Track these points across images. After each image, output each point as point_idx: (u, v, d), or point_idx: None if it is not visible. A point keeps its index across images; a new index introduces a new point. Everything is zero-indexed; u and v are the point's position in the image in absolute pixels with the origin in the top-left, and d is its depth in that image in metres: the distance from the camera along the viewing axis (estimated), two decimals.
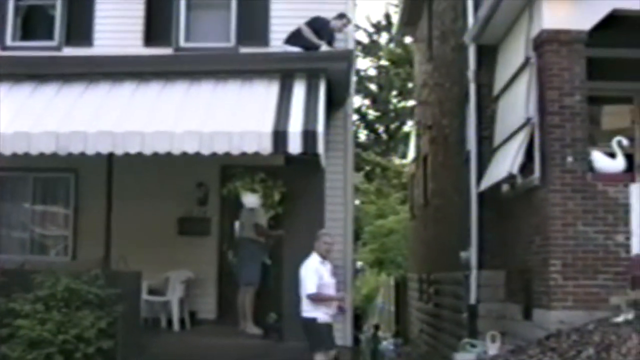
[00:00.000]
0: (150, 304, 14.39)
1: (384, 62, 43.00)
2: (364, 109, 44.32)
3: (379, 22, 43.52)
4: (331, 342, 11.51)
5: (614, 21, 12.29)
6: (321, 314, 11.32)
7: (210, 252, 15.42)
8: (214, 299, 15.36)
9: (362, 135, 44.79)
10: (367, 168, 40.28)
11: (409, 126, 37.87)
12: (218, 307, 15.31)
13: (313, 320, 11.28)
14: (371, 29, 43.82)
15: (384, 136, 44.00)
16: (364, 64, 44.12)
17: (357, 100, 43.54)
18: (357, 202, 38.18)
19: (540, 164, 12.44)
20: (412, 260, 27.72)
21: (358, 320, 29.08)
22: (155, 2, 15.92)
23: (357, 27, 41.78)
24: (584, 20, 12.33)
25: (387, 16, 42.60)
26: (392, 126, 43.15)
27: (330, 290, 11.52)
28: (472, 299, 15.03)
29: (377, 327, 30.74)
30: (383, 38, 43.70)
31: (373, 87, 43.62)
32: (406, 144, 32.71)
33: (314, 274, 11.31)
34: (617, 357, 9.12)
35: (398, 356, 25.51)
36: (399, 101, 42.57)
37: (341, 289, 12.72)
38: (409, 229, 28.83)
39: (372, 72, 44.23)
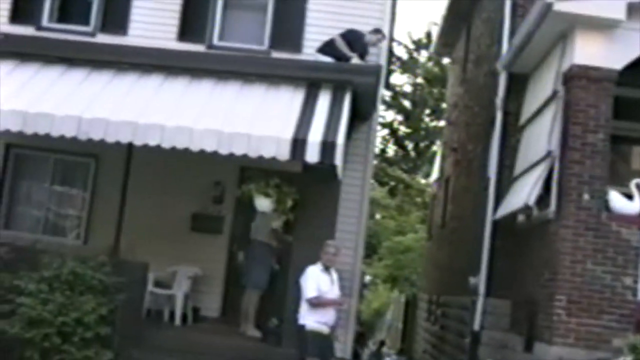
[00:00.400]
0: (155, 296, 14.43)
1: (420, 80, 42.98)
2: (395, 124, 44.33)
3: (419, 40, 43.49)
4: (317, 351, 11.41)
5: None
6: (311, 322, 11.35)
7: (221, 251, 15.46)
8: (219, 298, 15.40)
9: (391, 150, 44.82)
10: (392, 183, 40.25)
11: (437, 146, 37.81)
12: (222, 306, 15.36)
13: (301, 327, 11.39)
14: (411, 46, 43.80)
15: (413, 153, 43.96)
16: (401, 80, 44.18)
17: (389, 115, 43.65)
18: (377, 216, 38.25)
19: (557, 198, 12.40)
20: (425, 280, 27.69)
21: (362, 337, 29.11)
22: None
23: (399, 43, 41.93)
24: (616, 59, 12.32)
25: (429, 34, 42.55)
26: (422, 144, 43.11)
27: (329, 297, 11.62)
28: (476, 325, 14.98)
29: (382, 343, 30.71)
30: (422, 56, 43.69)
31: (407, 103, 43.61)
32: (431, 164, 32.66)
33: (313, 280, 11.44)
34: None
35: None
36: (431, 120, 42.53)
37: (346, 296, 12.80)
38: (425, 248, 28.80)
39: (408, 88, 44.23)
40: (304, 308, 11.46)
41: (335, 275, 11.87)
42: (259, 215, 13.85)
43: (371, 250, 37.18)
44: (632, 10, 12.18)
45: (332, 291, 11.69)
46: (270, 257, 13.88)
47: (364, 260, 36.19)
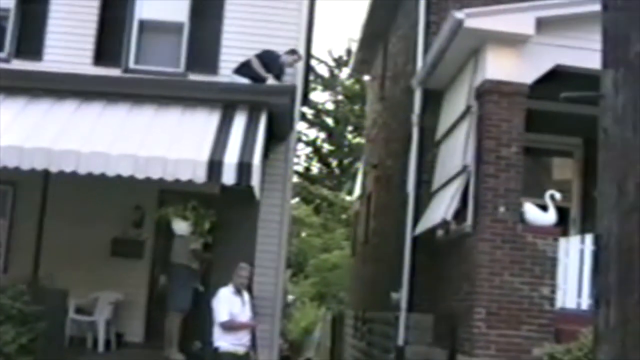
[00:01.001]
0: (77, 323, 14.32)
1: (341, 97, 43.19)
2: (319, 142, 44.45)
3: (340, 57, 43.68)
4: None
5: (556, 76, 12.48)
6: (226, 344, 11.37)
7: (142, 275, 15.37)
8: (142, 322, 15.29)
9: (315, 168, 44.92)
10: (317, 201, 40.33)
11: (360, 162, 38.05)
12: (145, 331, 15.25)
13: (216, 349, 11.39)
14: (332, 63, 43.97)
15: (337, 171, 44.11)
16: (323, 97, 44.33)
17: (312, 133, 43.74)
18: (303, 234, 38.30)
19: (473, 212, 12.57)
20: (350, 297, 27.76)
21: (287, 358, 29.12)
22: (108, 21, 15.91)
23: (319, 61, 42.06)
24: (527, 73, 12.54)
25: (349, 51, 42.79)
26: (345, 161, 43.28)
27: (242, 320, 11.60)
28: (400, 341, 15.05)
29: None
30: (344, 73, 43.88)
31: (330, 121, 43.76)
32: (354, 181, 32.82)
33: (225, 303, 11.47)
34: None
35: None
36: (354, 137, 42.72)
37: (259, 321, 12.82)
38: (350, 265, 28.89)
39: (330, 106, 44.39)
40: (217, 330, 11.46)
41: (247, 297, 11.88)
42: (177, 238, 13.82)
43: (297, 269, 37.24)
44: (540, 25, 12.42)
45: (244, 313, 11.70)
46: (192, 279, 13.82)
47: (290, 279, 36.41)
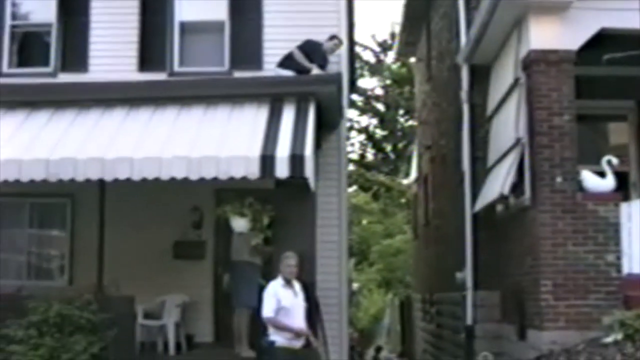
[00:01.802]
0: (146, 328, 14.36)
1: (389, 82, 43.02)
2: (371, 128, 44.33)
3: (384, 41, 43.50)
4: None
5: (602, 40, 12.32)
6: (280, 338, 11.17)
7: (206, 276, 15.41)
8: (210, 322, 15.33)
9: (370, 154, 44.81)
10: (375, 188, 40.25)
11: (414, 145, 37.90)
12: (215, 330, 15.28)
13: (271, 344, 11.17)
14: (377, 48, 43.81)
15: (392, 155, 43.96)
16: (371, 84, 44.16)
17: (364, 120, 43.65)
18: (363, 222, 38.26)
19: (530, 184, 12.46)
20: (416, 280, 27.73)
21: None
22: (149, 27, 16.01)
23: (364, 47, 41.93)
24: (572, 40, 12.38)
25: (393, 35, 42.58)
26: (399, 145, 43.11)
27: (295, 314, 11.39)
28: (469, 320, 15.02)
29: (379, 349, 30.64)
30: (389, 57, 43.70)
31: (380, 106, 43.62)
32: (409, 164, 32.70)
33: (273, 297, 11.21)
34: None
35: None
36: (406, 120, 42.54)
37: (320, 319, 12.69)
38: (413, 248, 28.82)
39: (379, 91, 44.23)
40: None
41: (298, 287, 11.63)
42: (236, 235, 13.84)
43: (361, 257, 37.22)
44: None
45: (298, 304, 11.46)
46: (256, 275, 13.82)
47: (355, 268, 36.42)
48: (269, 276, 13.42)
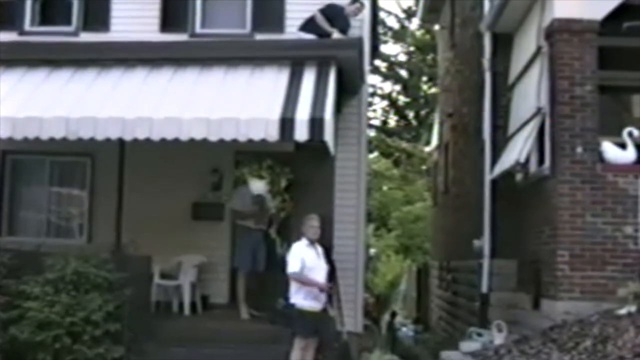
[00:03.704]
0: (162, 288, 14.47)
1: (412, 49, 42.79)
2: (394, 94, 44.18)
3: (409, 8, 43.24)
4: (309, 329, 11.43)
5: (627, 10, 12.23)
6: (300, 300, 11.34)
7: (224, 237, 15.39)
8: (226, 284, 15.33)
9: (392, 121, 44.69)
10: (396, 154, 40.17)
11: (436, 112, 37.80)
12: (230, 292, 15.30)
13: (291, 306, 11.36)
14: (401, 15, 43.58)
15: (414, 122, 43.82)
16: (395, 50, 43.93)
17: (387, 86, 43.50)
18: (384, 188, 38.23)
19: (551, 154, 12.45)
20: (433, 248, 27.75)
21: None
22: None
23: (388, 13, 41.70)
24: (597, 9, 12.31)
25: (418, 1, 42.29)
26: (422, 112, 42.95)
27: (317, 274, 11.55)
28: (484, 288, 15.05)
29: (394, 315, 30.69)
30: (413, 24, 43.46)
31: (404, 73, 43.44)
32: (431, 131, 32.59)
33: (297, 255, 11.40)
34: (612, 349, 9.11)
35: (416, 343, 25.43)
36: (429, 87, 42.36)
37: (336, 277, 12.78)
38: (431, 215, 28.81)
39: (403, 57, 44.03)
40: (293, 286, 11.44)
41: (320, 249, 11.80)
42: (240, 197, 14.05)
43: (380, 223, 37.20)
44: None
45: (320, 265, 11.63)
46: (251, 237, 13.89)
47: (374, 233, 36.45)
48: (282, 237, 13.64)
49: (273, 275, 13.20)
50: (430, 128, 34.31)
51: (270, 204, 13.82)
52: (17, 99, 12.91)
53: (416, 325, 28.32)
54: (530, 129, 12.86)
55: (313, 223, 11.70)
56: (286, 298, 11.59)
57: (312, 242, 11.64)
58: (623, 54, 13.58)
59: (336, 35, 14.39)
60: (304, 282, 11.36)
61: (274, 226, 14.10)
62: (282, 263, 12.02)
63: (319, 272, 11.62)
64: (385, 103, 44.06)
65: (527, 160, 13.08)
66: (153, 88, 13.15)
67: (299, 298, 11.36)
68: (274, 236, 14.10)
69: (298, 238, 11.82)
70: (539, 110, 12.73)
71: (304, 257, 11.42)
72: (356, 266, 15.06)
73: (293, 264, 11.37)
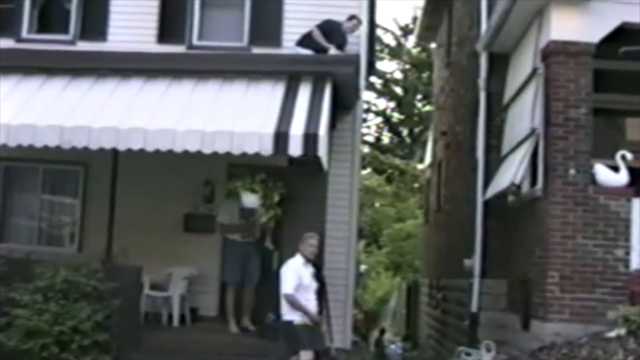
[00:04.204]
0: (152, 299, 14.47)
1: (408, 66, 42.91)
2: (388, 111, 44.26)
3: (406, 25, 43.36)
4: (311, 343, 11.24)
5: (624, 34, 12.27)
6: (296, 316, 11.13)
7: (214, 250, 15.30)
8: (216, 297, 15.27)
9: (386, 137, 44.77)
10: (389, 171, 40.24)
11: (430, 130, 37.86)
12: (219, 305, 15.27)
13: (289, 323, 11.11)
14: (398, 32, 43.68)
15: (408, 139, 43.91)
16: (390, 67, 44.01)
17: (381, 103, 43.59)
18: (376, 204, 38.28)
19: (543, 175, 12.47)
20: (424, 265, 27.77)
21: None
22: None
23: (385, 30, 41.81)
24: (593, 32, 12.34)
25: (415, 19, 42.40)
26: (416, 130, 43.05)
27: (310, 294, 11.42)
28: (474, 307, 15.06)
29: (382, 332, 30.70)
30: (410, 41, 43.54)
31: (398, 90, 43.53)
32: (424, 149, 32.69)
33: (294, 273, 11.18)
34: None
35: None
36: (424, 105, 42.47)
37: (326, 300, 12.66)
38: (423, 233, 28.85)
39: (398, 75, 44.14)
40: (285, 303, 11.21)
41: (312, 269, 11.62)
42: (228, 211, 14.12)
43: (372, 239, 37.26)
44: None
45: (312, 285, 11.43)
46: (239, 251, 13.95)
47: (364, 249, 36.48)
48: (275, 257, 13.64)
49: (269, 289, 13.19)
50: (423, 146, 34.42)
51: (263, 217, 13.81)
52: (12, 106, 12.84)
53: (405, 343, 28.36)
54: (525, 150, 12.89)
55: (312, 242, 11.53)
56: (278, 314, 11.49)
57: (308, 261, 11.48)
58: (618, 77, 13.65)
59: (333, 50, 14.44)
60: (297, 307, 11.12)
61: (268, 237, 14.11)
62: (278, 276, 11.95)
63: (311, 291, 11.44)
64: (379, 119, 44.15)
65: (521, 181, 13.09)
66: (148, 99, 13.14)
67: (296, 315, 11.15)
68: (271, 248, 14.13)
69: (292, 254, 11.71)
70: (533, 131, 12.76)
71: (300, 277, 11.24)
72: (347, 282, 15.07)
73: (288, 284, 11.12)
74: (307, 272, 11.42)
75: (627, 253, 11.84)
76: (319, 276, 11.92)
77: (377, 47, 36.19)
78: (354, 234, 15.67)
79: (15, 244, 15.49)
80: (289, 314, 11.17)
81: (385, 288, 36.76)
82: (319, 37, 14.56)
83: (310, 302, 11.35)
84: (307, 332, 11.19)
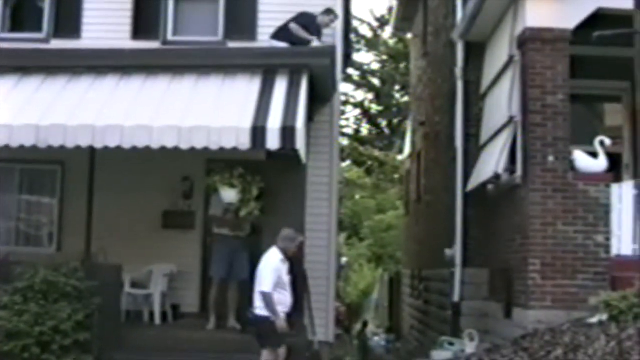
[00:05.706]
0: (133, 297, 14.39)
1: (385, 57, 42.85)
2: (367, 103, 44.19)
3: (382, 17, 43.28)
4: (284, 341, 11.25)
5: (598, 19, 12.25)
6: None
7: (194, 246, 15.36)
8: (197, 293, 15.26)
9: (365, 129, 44.70)
10: (369, 163, 40.21)
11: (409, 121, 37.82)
12: (201, 301, 15.24)
13: (266, 319, 11.03)
14: (374, 23, 43.59)
15: (387, 131, 43.85)
16: (368, 58, 43.94)
17: (359, 95, 43.52)
18: (356, 197, 38.25)
19: (522, 163, 12.45)
20: (406, 256, 27.73)
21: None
22: None
23: (361, 22, 41.74)
24: (568, 18, 12.34)
25: (391, 10, 42.34)
26: (395, 121, 42.99)
27: (286, 288, 11.35)
28: (456, 297, 15.07)
29: (365, 324, 30.69)
30: (387, 32, 43.48)
31: (376, 81, 43.46)
32: (403, 139, 32.64)
33: (275, 273, 11.11)
34: (583, 358, 9.09)
35: (387, 352, 25.44)
36: (402, 96, 42.40)
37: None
38: (403, 224, 28.82)
39: (375, 66, 44.05)
40: (260, 299, 11.13)
41: (287, 264, 11.54)
42: (215, 205, 13.97)
43: (353, 232, 37.23)
44: None
45: (287, 280, 11.41)
46: (226, 245, 13.82)
47: (346, 242, 36.45)
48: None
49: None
50: (402, 136, 34.34)
51: (242, 211, 13.72)
52: None
53: (388, 335, 28.32)
54: (505, 139, 12.88)
55: (298, 239, 11.58)
56: (253, 309, 11.39)
57: (286, 257, 11.43)
58: (595, 63, 13.65)
59: (316, 43, 14.37)
60: (271, 309, 11.02)
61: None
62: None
63: (287, 285, 11.42)
64: (357, 111, 44.06)
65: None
66: (124, 96, 13.08)
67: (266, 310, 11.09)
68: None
69: (269, 246, 11.62)
70: (511, 119, 12.75)
71: (280, 274, 11.22)
72: (328, 275, 15.05)
73: (267, 283, 11.04)
74: (285, 268, 11.40)
75: (608, 239, 11.85)
76: (293, 269, 11.87)
77: (354, 39, 36.13)
78: (334, 226, 15.63)
79: None
80: (264, 309, 11.08)
81: (367, 280, 36.71)
82: (299, 30, 14.46)
83: (286, 297, 11.35)
84: (277, 331, 11.12)
